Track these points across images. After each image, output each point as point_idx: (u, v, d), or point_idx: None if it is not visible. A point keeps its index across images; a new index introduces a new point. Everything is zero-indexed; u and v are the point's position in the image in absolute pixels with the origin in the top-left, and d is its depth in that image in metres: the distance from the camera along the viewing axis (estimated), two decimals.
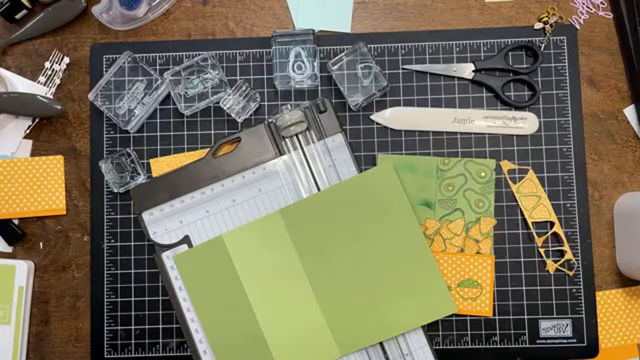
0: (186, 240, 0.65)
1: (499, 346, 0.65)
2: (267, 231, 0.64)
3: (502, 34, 0.68)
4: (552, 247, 0.66)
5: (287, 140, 0.66)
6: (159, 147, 0.68)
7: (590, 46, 0.69)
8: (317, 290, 0.63)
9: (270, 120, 0.66)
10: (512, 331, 0.65)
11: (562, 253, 0.66)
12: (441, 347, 0.65)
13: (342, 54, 0.66)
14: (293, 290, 0.64)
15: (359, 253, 0.63)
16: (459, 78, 0.68)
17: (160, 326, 0.66)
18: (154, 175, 0.68)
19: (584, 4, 0.69)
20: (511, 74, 0.68)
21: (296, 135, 0.66)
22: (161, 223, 0.65)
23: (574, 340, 0.65)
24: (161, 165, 0.68)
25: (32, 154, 0.69)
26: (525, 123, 0.67)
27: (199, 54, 0.67)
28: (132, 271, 0.67)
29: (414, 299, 0.63)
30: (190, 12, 0.70)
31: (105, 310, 0.67)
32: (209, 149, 0.67)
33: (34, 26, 0.69)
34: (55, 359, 0.68)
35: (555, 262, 0.66)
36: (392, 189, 0.64)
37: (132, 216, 0.67)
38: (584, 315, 0.65)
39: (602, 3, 0.69)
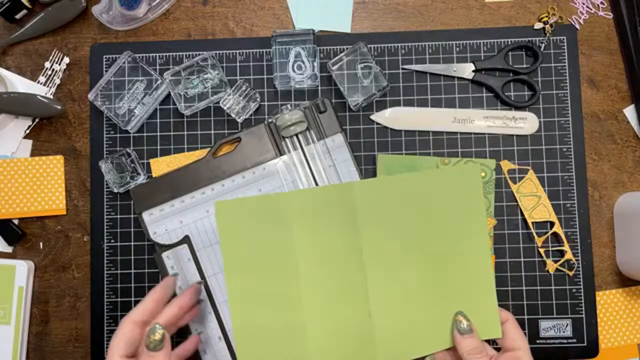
0: (186, 240, 0.65)
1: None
2: (333, 203, 0.56)
3: (502, 34, 0.68)
4: (552, 247, 0.66)
5: (287, 140, 0.66)
6: (159, 147, 0.68)
7: (590, 46, 0.69)
8: (372, 287, 0.56)
9: (270, 120, 0.66)
10: None
11: (562, 253, 0.66)
12: None
13: (342, 54, 0.66)
14: (347, 278, 0.56)
15: (423, 255, 0.58)
16: (459, 78, 0.68)
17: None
18: (154, 175, 0.68)
19: (584, 4, 0.69)
20: (511, 74, 0.68)
21: (296, 135, 0.66)
22: (161, 223, 0.65)
23: (574, 340, 0.65)
24: (161, 165, 0.68)
25: (32, 154, 0.69)
26: (525, 123, 0.67)
27: (199, 54, 0.67)
28: (132, 271, 0.67)
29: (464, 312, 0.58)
30: (190, 12, 0.70)
31: (105, 310, 0.67)
32: (209, 149, 0.67)
33: (34, 26, 0.69)
34: (55, 359, 0.68)
35: (555, 262, 0.66)
36: (473, 195, 0.58)
37: (132, 216, 0.67)
38: (584, 315, 0.65)
39: (602, 3, 0.69)
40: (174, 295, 0.64)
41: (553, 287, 0.66)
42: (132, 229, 0.67)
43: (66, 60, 0.70)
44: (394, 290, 0.57)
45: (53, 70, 0.70)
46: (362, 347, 0.56)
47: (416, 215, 0.57)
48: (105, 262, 0.67)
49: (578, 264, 0.66)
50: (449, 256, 0.58)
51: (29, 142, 0.70)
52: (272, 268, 0.55)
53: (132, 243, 0.67)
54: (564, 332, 0.65)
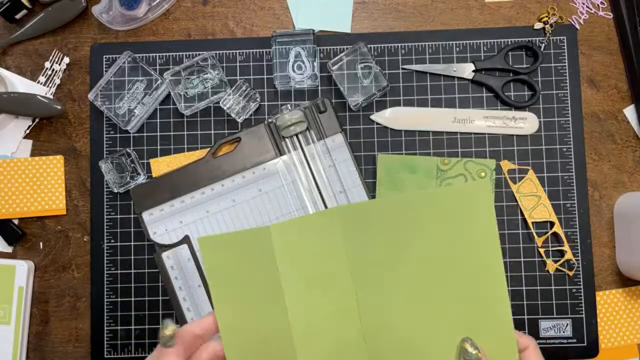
0: (186, 240, 0.65)
1: None
2: (320, 230, 0.53)
3: (502, 34, 0.68)
4: (552, 247, 0.66)
5: (287, 140, 0.66)
6: (159, 147, 0.68)
7: (590, 46, 0.69)
8: (363, 311, 0.53)
9: (270, 120, 0.66)
10: None
11: (562, 253, 0.66)
12: None
13: (342, 54, 0.66)
14: (336, 305, 0.53)
15: (420, 278, 0.52)
16: (459, 78, 0.68)
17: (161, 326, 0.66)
18: (154, 175, 0.68)
19: (584, 4, 0.69)
20: (511, 74, 0.68)
21: (296, 135, 0.66)
22: (161, 223, 0.65)
23: (574, 340, 0.65)
24: (161, 165, 0.68)
25: (32, 154, 0.69)
26: (525, 123, 0.67)
27: (199, 54, 0.67)
28: (132, 271, 0.67)
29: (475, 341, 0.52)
30: (190, 12, 0.70)
31: (105, 310, 0.67)
32: (209, 149, 0.67)
33: (34, 26, 0.69)
34: (55, 359, 0.68)
35: (555, 262, 0.66)
36: (483, 213, 0.51)
37: (132, 216, 0.67)
38: (584, 315, 0.65)
39: (602, 3, 0.69)
40: (175, 296, 0.65)
41: (553, 287, 0.66)
42: (132, 229, 0.67)
43: (66, 60, 0.70)
44: (390, 315, 0.53)
45: (53, 70, 0.70)
46: None
47: (416, 239, 0.52)
48: (105, 262, 0.67)
49: (578, 264, 0.66)
50: (457, 281, 0.52)
51: (29, 142, 0.70)
52: (259, 300, 0.53)
53: (132, 243, 0.67)
54: (564, 332, 0.65)
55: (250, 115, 0.68)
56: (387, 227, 0.52)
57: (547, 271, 0.66)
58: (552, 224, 0.66)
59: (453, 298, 0.52)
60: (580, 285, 0.66)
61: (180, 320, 0.64)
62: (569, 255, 0.66)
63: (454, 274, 0.52)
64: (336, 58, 0.66)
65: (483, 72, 0.68)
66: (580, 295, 0.66)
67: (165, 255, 0.65)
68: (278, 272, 0.52)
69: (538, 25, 0.68)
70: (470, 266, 0.52)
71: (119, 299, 0.67)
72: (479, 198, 0.51)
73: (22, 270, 0.66)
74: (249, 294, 0.53)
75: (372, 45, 0.68)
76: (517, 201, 0.66)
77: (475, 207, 0.51)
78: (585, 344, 0.65)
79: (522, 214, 0.66)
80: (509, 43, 0.68)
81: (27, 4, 0.69)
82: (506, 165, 0.67)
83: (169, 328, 0.50)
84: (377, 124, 0.67)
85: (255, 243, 0.53)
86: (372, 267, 0.53)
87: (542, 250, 0.66)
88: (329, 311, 0.53)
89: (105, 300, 0.67)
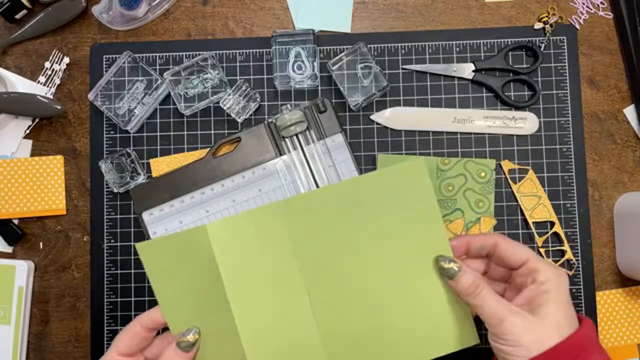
0: None
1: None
2: (261, 226, 0.52)
3: (502, 34, 0.68)
4: (552, 247, 0.66)
5: (287, 140, 0.66)
6: (159, 147, 0.68)
7: (590, 46, 0.69)
8: (315, 307, 0.52)
9: (270, 120, 0.66)
10: None
11: (562, 253, 0.66)
12: None
13: (342, 54, 0.66)
14: (287, 303, 0.52)
15: (371, 266, 0.52)
16: (459, 78, 0.68)
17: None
18: (154, 175, 0.68)
19: (584, 4, 0.69)
20: (511, 74, 0.68)
21: (296, 135, 0.66)
22: (161, 223, 0.65)
23: None
24: (161, 165, 0.68)
25: (32, 154, 0.69)
26: (525, 123, 0.67)
27: (199, 54, 0.67)
28: (132, 271, 0.67)
29: (429, 325, 0.52)
30: (190, 12, 0.70)
31: (105, 310, 0.67)
32: (209, 149, 0.67)
33: (34, 26, 0.69)
34: (55, 359, 0.68)
35: (556, 262, 0.66)
36: (421, 193, 0.51)
37: (132, 216, 0.67)
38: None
39: (602, 3, 0.69)
40: None
41: None
42: (132, 229, 0.67)
43: (66, 60, 0.70)
44: (344, 307, 0.52)
45: (53, 70, 0.70)
46: None
47: (358, 225, 0.52)
48: (105, 262, 0.67)
49: (578, 264, 0.66)
50: (404, 264, 0.52)
51: (29, 142, 0.70)
52: (203, 302, 0.51)
53: (132, 243, 0.67)
54: None
55: (250, 115, 0.68)
56: (331, 217, 0.52)
57: None
58: (552, 224, 0.66)
59: (405, 285, 0.52)
60: (580, 285, 0.66)
61: None
62: (569, 255, 0.66)
63: (403, 259, 0.52)
64: (336, 58, 0.66)
65: (483, 72, 0.68)
66: (580, 295, 0.66)
67: None
68: (219, 273, 0.50)
69: (538, 25, 0.68)
70: (417, 249, 0.51)
71: (119, 299, 0.67)
72: (415, 176, 0.51)
73: (22, 270, 0.66)
74: (193, 296, 0.52)
75: (372, 45, 0.68)
76: (517, 201, 0.66)
77: (412, 185, 0.51)
78: None
79: (523, 214, 0.66)
80: (509, 43, 0.68)
81: (27, 4, 0.69)
82: (507, 165, 0.67)
83: (193, 335, 0.51)
84: (377, 124, 0.67)
85: (193, 244, 0.51)
86: (321, 260, 0.52)
87: (542, 250, 0.66)
88: (279, 310, 0.52)
89: (105, 300, 0.67)
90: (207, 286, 0.51)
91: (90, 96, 0.66)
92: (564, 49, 0.68)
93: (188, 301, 0.52)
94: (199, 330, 0.52)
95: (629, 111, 0.68)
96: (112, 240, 0.67)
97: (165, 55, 0.69)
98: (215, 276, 0.50)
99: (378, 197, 0.52)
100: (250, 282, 0.52)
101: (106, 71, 0.68)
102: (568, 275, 0.66)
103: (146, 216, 0.65)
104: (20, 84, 0.70)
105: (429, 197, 0.51)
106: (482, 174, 0.66)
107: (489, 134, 0.67)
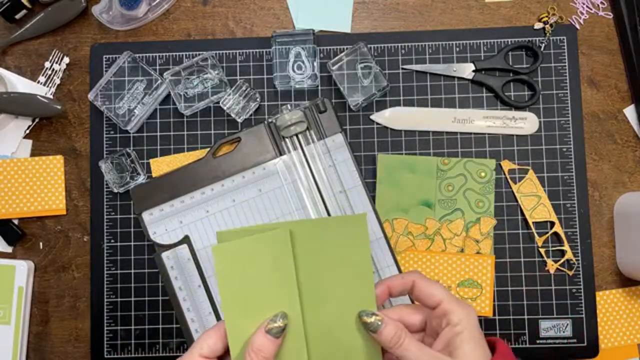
0: (186, 240, 0.65)
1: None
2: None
3: (502, 34, 0.68)
4: (552, 247, 0.66)
5: (287, 140, 0.66)
6: (159, 147, 0.68)
7: (590, 46, 0.69)
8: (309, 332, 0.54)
9: (270, 120, 0.66)
10: (512, 331, 0.65)
11: (562, 253, 0.66)
12: None
13: (342, 54, 0.66)
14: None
15: (316, 300, 0.54)
16: (459, 78, 0.68)
17: (160, 326, 0.66)
18: (154, 175, 0.68)
19: (584, 4, 0.69)
20: (511, 74, 0.68)
21: (296, 135, 0.66)
22: (161, 223, 0.65)
23: (574, 340, 0.65)
24: (161, 165, 0.68)
25: (32, 154, 0.69)
26: (525, 123, 0.67)
27: (199, 54, 0.67)
28: (132, 271, 0.67)
29: None
30: (190, 12, 0.70)
31: (105, 310, 0.67)
32: (209, 149, 0.67)
33: (34, 26, 0.69)
34: (55, 359, 0.68)
35: (556, 262, 0.66)
36: (358, 246, 0.54)
37: (132, 216, 0.67)
38: (584, 315, 0.65)
39: (602, 3, 0.69)
40: (175, 297, 0.64)
41: (553, 287, 0.66)
42: (132, 229, 0.67)
43: (66, 60, 0.70)
44: (328, 330, 0.54)
45: (53, 70, 0.70)
46: None
47: (308, 262, 0.55)
48: (105, 262, 0.67)
49: (578, 264, 0.66)
50: (336, 310, 0.54)
51: (29, 142, 0.70)
52: (267, 306, 0.54)
53: (132, 243, 0.67)
54: (564, 332, 0.65)
55: (250, 115, 0.68)
56: (304, 248, 0.55)
57: (547, 271, 0.66)
58: (552, 224, 0.66)
59: (338, 320, 0.54)
60: (580, 285, 0.66)
61: (181, 319, 0.64)
62: (569, 255, 0.66)
63: (335, 297, 0.54)
64: (336, 58, 0.66)
65: (483, 72, 0.68)
66: (581, 295, 0.66)
67: (165, 255, 0.65)
68: (292, 273, 0.53)
69: (538, 25, 0.68)
70: (345, 290, 0.54)
71: (119, 299, 0.67)
72: (356, 229, 0.54)
73: (22, 270, 0.66)
74: (259, 301, 0.53)
75: (372, 45, 0.68)
76: (517, 201, 0.66)
77: (351, 236, 0.54)
78: (585, 344, 0.65)
79: (523, 214, 0.66)
80: (509, 43, 0.68)
81: (27, 4, 0.69)
82: (507, 165, 0.67)
83: (282, 320, 0.51)
84: (377, 124, 0.67)
85: (273, 247, 0.54)
86: (307, 285, 0.54)
87: (542, 250, 0.66)
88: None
89: (105, 300, 0.67)
90: (271, 289, 0.53)
91: (90, 96, 0.66)
92: (564, 49, 0.68)
93: (252, 307, 0.53)
94: (286, 314, 0.52)
95: (629, 111, 0.68)
96: (112, 240, 0.67)
97: (165, 55, 0.69)
98: (288, 274, 0.53)
99: (321, 241, 0.55)
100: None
101: (106, 71, 0.68)
102: (568, 276, 0.66)
103: (146, 216, 0.65)
104: (20, 84, 0.70)
105: (364, 251, 0.54)
106: (482, 174, 0.66)
107: (489, 134, 0.67)
